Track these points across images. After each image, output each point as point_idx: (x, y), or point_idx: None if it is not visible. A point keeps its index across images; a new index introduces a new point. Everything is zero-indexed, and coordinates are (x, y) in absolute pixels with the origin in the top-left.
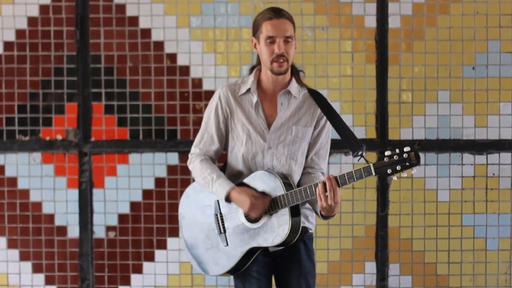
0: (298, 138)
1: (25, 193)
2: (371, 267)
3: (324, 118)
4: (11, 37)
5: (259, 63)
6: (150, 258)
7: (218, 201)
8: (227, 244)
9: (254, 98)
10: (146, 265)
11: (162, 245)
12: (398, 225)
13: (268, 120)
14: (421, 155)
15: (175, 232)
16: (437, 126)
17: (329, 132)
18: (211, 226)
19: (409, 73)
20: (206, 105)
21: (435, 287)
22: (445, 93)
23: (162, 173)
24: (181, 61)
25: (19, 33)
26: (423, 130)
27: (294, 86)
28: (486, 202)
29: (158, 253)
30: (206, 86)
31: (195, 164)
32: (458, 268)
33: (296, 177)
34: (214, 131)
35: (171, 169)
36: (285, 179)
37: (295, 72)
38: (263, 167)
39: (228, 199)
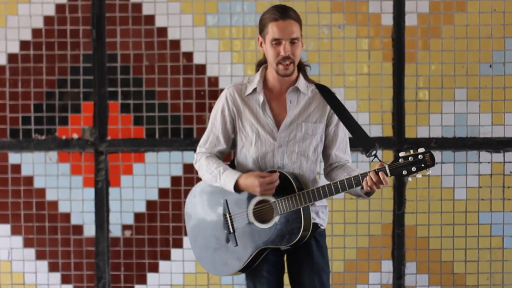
0: (308, 134)
1: (41, 192)
2: (387, 265)
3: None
4: (27, 36)
5: (265, 60)
6: (166, 257)
7: (226, 200)
8: (237, 244)
9: (261, 98)
10: (162, 264)
11: (178, 244)
12: (414, 224)
13: (276, 118)
14: (438, 153)
15: None
16: (454, 124)
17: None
18: (219, 226)
19: (426, 71)
20: None
21: (452, 285)
22: (462, 91)
23: (178, 171)
24: (197, 59)
25: (36, 32)
26: (440, 128)
27: (302, 83)
28: (503, 200)
29: (174, 252)
30: (223, 84)
31: (201, 162)
32: (475, 267)
33: (308, 174)
34: (220, 132)
35: (187, 167)
36: (296, 179)
37: (302, 69)
38: (274, 166)
39: (237, 189)
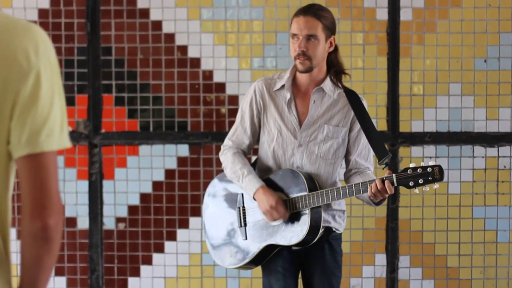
0: (329, 137)
1: None
2: (381, 259)
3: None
4: None
5: None
6: (160, 249)
7: (242, 194)
8: (246, 238)
9: (288, 95)
10: (156, 257)
11: (172, 237)
12: (408, 217)
13: (300, 117)
14: (432, 147)
15: (184, 224)
16: (448, 118)
17: None
18: (233, 219)
19: (421, 65)
20: (216, 97)
21: (446, 279)
22: (457, 86)
23: (172, 164)
24: (192, 53)
25: None
26: (434, 123)
27: (328, 84)
28: (497, 194)
29: (168, 245)
30: (217, 78)
31: (227, 156)
32: (469, 261)
33: (325, 176)
34: (248, 125)
35: (181, 160)
36: (310, 180)
37: (332, 72)
38: (292, 165)
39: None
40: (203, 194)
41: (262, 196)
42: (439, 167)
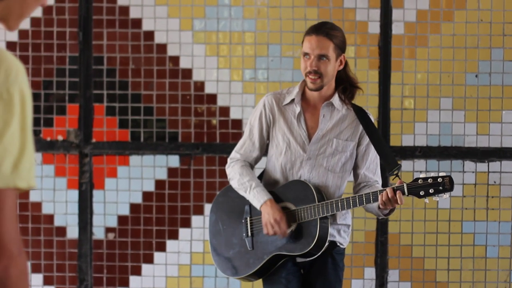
0: (338, 151)
1: (25, 193)
2: (370, 273)
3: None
4: (13, 37)
5: None
6: (149, 260)
7: (250, 205)
8: (252, 248)
9: (298, 109)
10: (145, 267)
11: (161, 248)
12: (398, 231)
13: (309, 131)
14: (422, 162)
15: (174, 235)
16: (439, 133)
17: None
18: (239, 229)
19: (412, 79)
20: (207, 108)
21: None
22: (448, 100)
23: (163, 175)
24: (183, 64)
25: (22, 34)
26: (425, 137)
27: (337, 99)
28: (487, 209)
29: (157, 255)
30: (208, 89)
31: (235, 168)
32: (458, 276)
33: (333, 189)
34: (257, 138)
35: (171, 171)
36: (318, 191)
37: (340, 89)
38: (300, 178)
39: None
40: (193, 205)
41: (269, 208)
42: (450, 177)
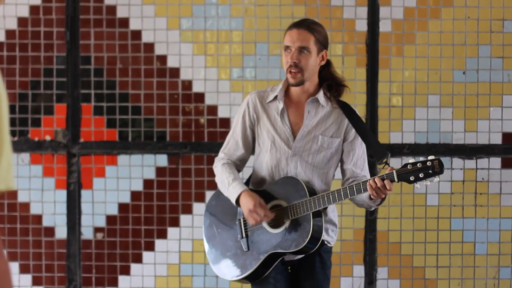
0: (323, 148)
1: (13, 193)
2: (359, 270)
3: (354, 129)
4: (0, 37)
5: None
6: (138, 259)
7: None
8: (248, 249)
9: (280, 105)
10: (134, 267)
11: (150, 247)
12: (387, 229)
13: (293, 128)
14: (411, 159)
15: (163, 234)
16: (427, 130)
17: (363, 142)
18: (233, 231)
19: (400, 77)
20: (195, 107)
21: None
22: (435, 98)
23: (151, 175)
24: (171, 63)
25: (9, 34)
26: (413, 134)
27: (322, 95)
28: (475, 206)
29: (146, 255)
30: (196, 88)
31: (217, 168)
32: (447, 272)
33: (319, 185)
34: (240, 137)
35: (160, 171)
36: (309, 185)
37: (324, 85)
38: (286, 175)
39: (238, 203)
40: (182, 204)
41: (243, 200)
42: (439, 160)
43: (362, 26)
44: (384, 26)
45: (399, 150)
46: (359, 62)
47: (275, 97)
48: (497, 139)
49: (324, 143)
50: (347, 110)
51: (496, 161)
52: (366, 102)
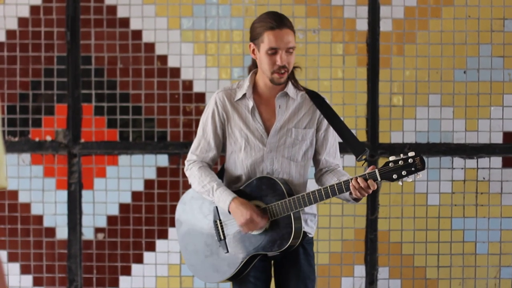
0: (298, 140)
1: (14, 194)
2: (360, 270)
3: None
4: (1, 37)
5: (255, 65)
6: (139, 260)
7: (217, 207)
8: (228, 251)
9: (250, 103)
10: (135, 267)
11: (151, 247)
12: (387, 229)
13: (266, 124)
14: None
15: (164, 234)
16: (428, 129)
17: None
18: (210, 233)
19: (400, 76)
20: (196, 107)
21: None
22: (436, 97)
23: (152, 175)
24: (171, 63)
25: (10, 34)
26: (414, 134)
27: (291, 88)
28: (476, 206)
29: (147, 255)
30: (197, 88)
31: (192, 171)
32: (448, 272)
33: (297, 179)
34: (211, 137)
35: (160, 171)
36: (286, 185)
37: (291, 76)
38: (263, 171)
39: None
40: None
41: (236, 209)
42: (420, 156)
43: (362, 25)
44: (385, 26)
45: (400, 149)
46: (359, 61)
47: (244, 95)
48: (498, 139)
49: (299, 135)
50: (319, 102)
51: (497, 161)
52: (367, 101)
